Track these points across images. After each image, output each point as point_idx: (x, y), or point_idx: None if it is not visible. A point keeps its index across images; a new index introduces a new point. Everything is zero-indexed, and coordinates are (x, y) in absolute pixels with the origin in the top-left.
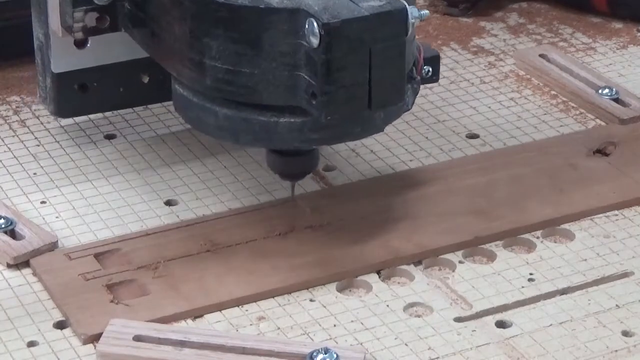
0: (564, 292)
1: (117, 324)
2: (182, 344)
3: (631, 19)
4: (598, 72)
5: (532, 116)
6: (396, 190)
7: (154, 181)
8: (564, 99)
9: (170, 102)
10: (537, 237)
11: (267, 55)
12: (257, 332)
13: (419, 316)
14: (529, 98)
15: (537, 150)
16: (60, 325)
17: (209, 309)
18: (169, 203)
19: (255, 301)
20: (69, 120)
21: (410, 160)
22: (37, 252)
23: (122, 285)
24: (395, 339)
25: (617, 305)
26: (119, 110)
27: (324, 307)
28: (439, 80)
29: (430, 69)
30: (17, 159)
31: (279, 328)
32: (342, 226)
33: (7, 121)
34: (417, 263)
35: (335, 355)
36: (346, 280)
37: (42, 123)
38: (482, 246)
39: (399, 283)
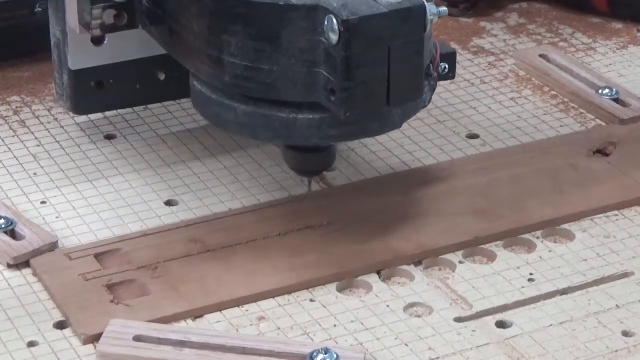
0: (564, 292)
1: (117, 324)
2: (182, 344)
3: (631, 19)
4: (598, 72)
5: (532, 116)
6: (396, 190)
7: (154, 181)
8: (564, 99)
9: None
10: (537, 237)
11: (285, 52)
12: (257, 332)
13: (419, 316)
14: (529, 98)
15: (537, 150)
16: (60, 325)
17: (209, 309)
18: (169, 203)
19: (255, 301)
20: (69, 121)
21: (410, 160)
22: (37, 252)
23: (122, 285)
24: (395, 339)
25: (617, 305)
26: (119, 110)
27: (324, 307)
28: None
29: (447, 66)
30: (17, 159)
31: (279, 328)
32: (342, 226)
33: (7, 121)
34: (417, 263)
35: (335, 355)
36: (346, 280)
37: (42, 123)
38: (482, 246)
39: (399, 283)
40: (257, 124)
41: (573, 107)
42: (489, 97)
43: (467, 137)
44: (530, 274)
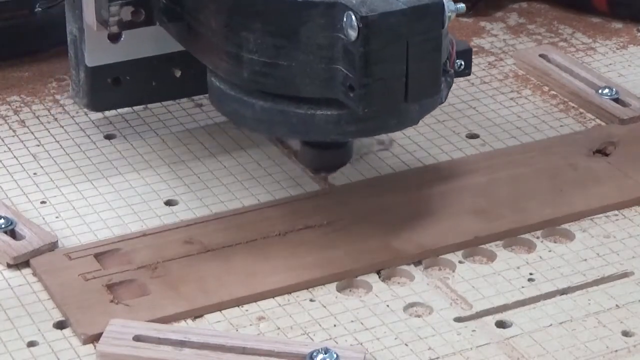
0: (564, 292)
1: (117, 324)
2: (182, 344)
3: (631, 19)
4: (598, 72)
5: (532, 116)
6: (396, 190)
7: (154, 181)
8: (564, 99)
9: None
10: (537, 237)
11: (304, 48)
12: (257, 332)
13: (419, 316)
14: (529, 98)
15: (537, 150)
16: (60, 325)
17: (209, 309)
18: (169, 203)
19: (255, 301)
20: (69, 121)
21: (410, 160)
22: (37, 252)
23: (122, 285)
24: (395, 339)
25: (617, 305)
26: (118, 110)
27: (324, 307)
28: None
29: (463, 63)
30: (17, 159)
31: (279, 328)
32: (342, 226)
33: (7, 121)
34: (417, 263)
35: (335, 355)
36: (346, 280)
37: (42, 123)
38: (482, 246)
39: (399, 283)
40: (275, 120)
41: (573, 107)
42: (489, 97)
43: (467, 137)
44: (530, 274)
